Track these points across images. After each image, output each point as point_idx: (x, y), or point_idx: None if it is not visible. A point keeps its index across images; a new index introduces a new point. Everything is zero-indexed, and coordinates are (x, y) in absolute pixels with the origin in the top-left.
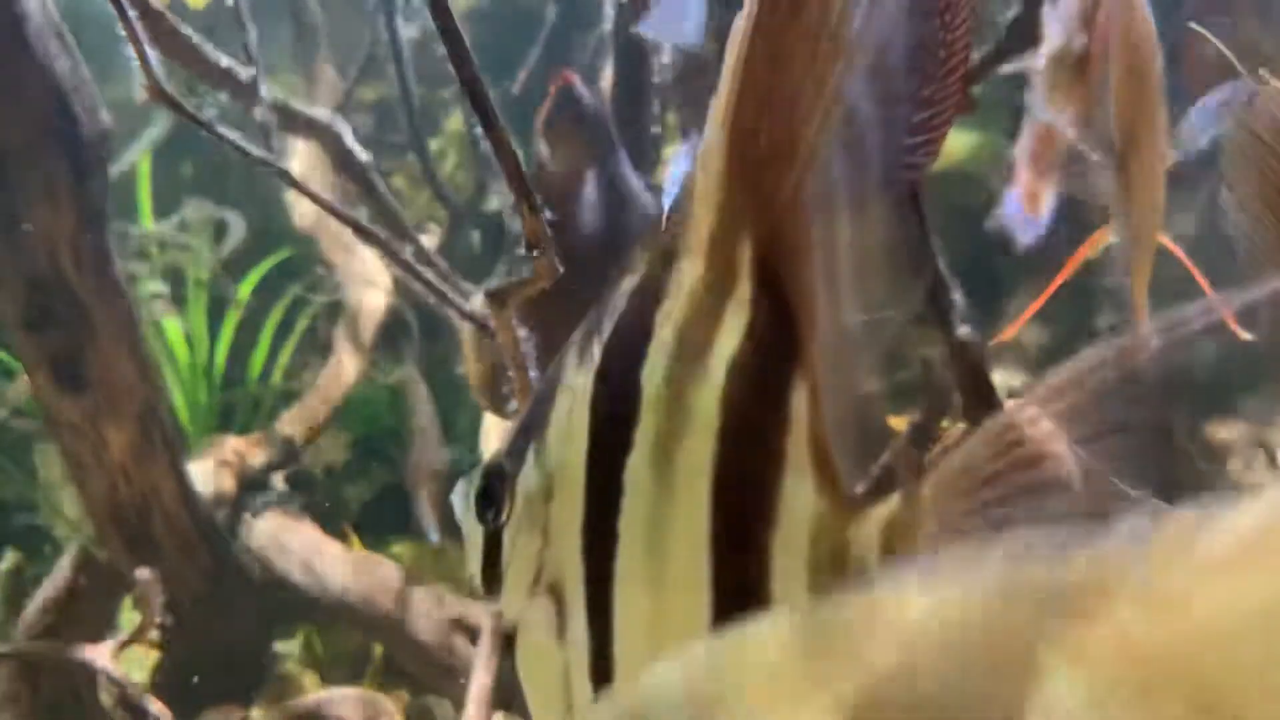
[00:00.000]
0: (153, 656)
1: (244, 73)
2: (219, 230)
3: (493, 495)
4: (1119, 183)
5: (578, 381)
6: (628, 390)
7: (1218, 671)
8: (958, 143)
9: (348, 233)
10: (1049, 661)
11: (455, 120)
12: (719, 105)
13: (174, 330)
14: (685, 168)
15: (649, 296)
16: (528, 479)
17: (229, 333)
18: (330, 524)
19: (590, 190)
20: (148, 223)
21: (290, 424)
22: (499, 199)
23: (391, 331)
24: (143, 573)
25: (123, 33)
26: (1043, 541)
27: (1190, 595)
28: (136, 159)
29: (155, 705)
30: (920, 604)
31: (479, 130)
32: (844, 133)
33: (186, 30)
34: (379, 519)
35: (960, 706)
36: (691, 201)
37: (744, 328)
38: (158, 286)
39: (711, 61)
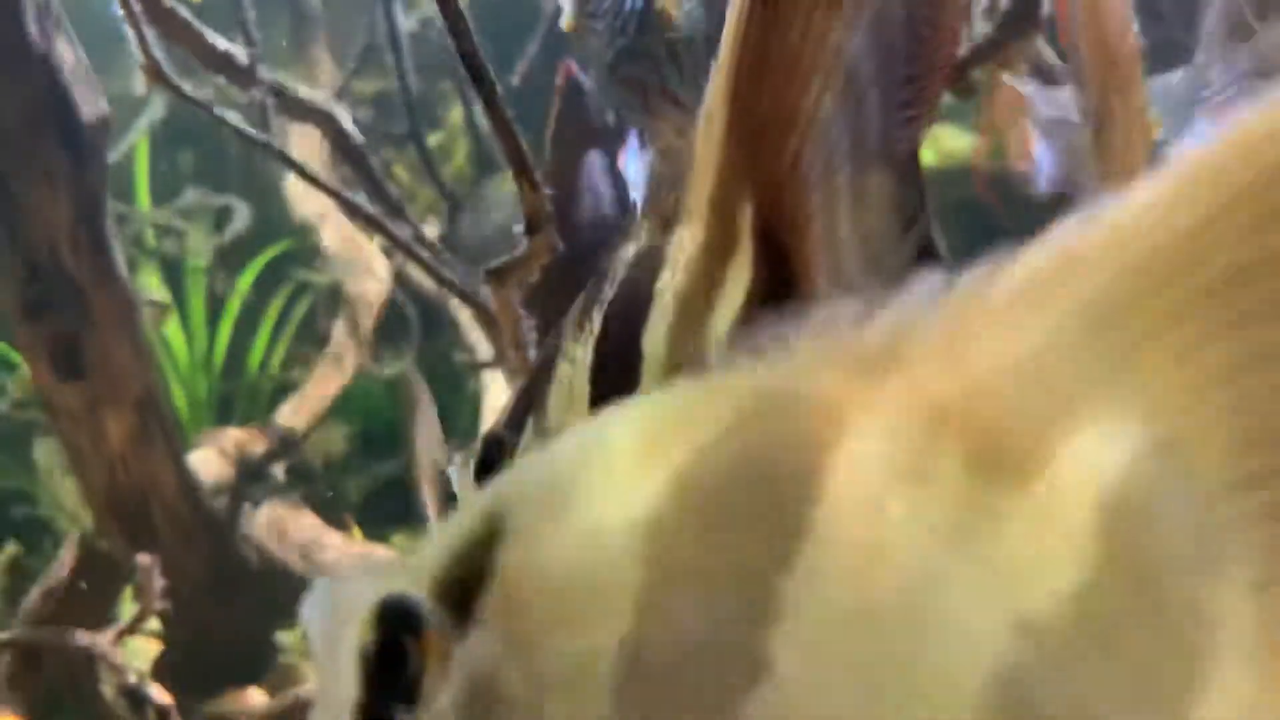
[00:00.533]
0: (153, 648)
1: (242, 55)
2: (219, 219)
3: (492, 464)
4: (1097, 157)
5: (578, 350)
6: (628, 357)
7: (990, 416)
8: (960, 141)
9: (347, 223)
10: (852, 418)
11: (457, 113)
12: (720, 70)
13: (173, 321)
14: (638, 163)
15: (649, 263)
16: (527, 448)
17: (228, 324)
18: (330, 515)
19: (592, 177)
20: (145, 208)
21: (289, 415)
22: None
23: (390, 325)
24: (142, 558)
25: (121, 27)
26: (850, 308)
27: (971, 344)
28: (134, 143)
29: (155, 690)
30: (744, 380)
31: (478, 121)
32: (843, 96)
33: (184, 13)
34: (379, 510)
35: (774, 464)
36: (691, 167)
37: (745, 293)
38: (156, 284)
39: (650, 49)
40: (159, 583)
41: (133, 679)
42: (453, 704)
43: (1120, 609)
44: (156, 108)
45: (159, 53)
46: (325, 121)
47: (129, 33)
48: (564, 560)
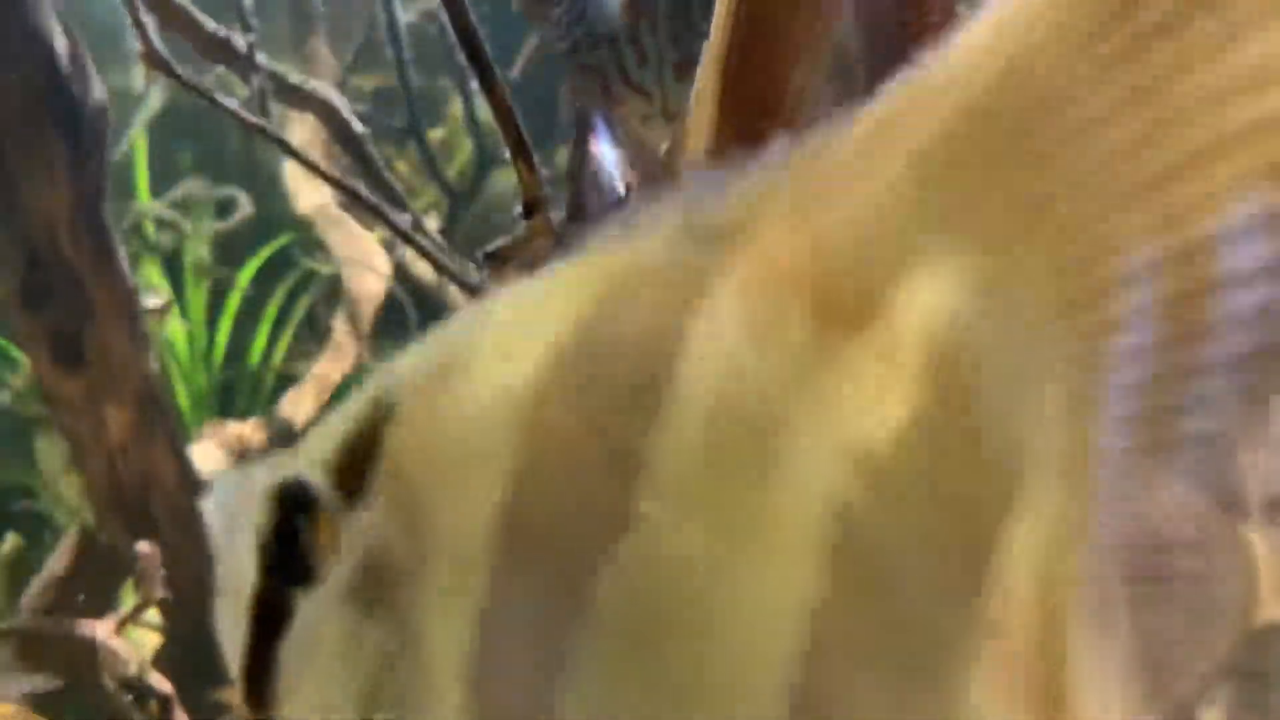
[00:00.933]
0: (153, 641)
1: (241, 43)
2: (221, 211)
3: None
4: None
5: None
6: None
7: (833, 270)
8: None
9: (347, 218)
10: (709, 286)
11: (459, 109)
12: (711, 48)
13: (173, 315)
14: (610, 150)
15: None
16: None
17: (229, 318)
18: None
19: (600, 167)
20: (145, 202)
21: (290, 407)
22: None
23: (390, 318)
24: (143, 546)
25: (116, 23)
26: (710, 181)
27: (815, 203)
28: (133, 138)
29: (157, 679)
30: (615, 256)
31: (478, 119)
32: (832, 74)
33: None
34: None
35: (638, 332)
36: (682, 146)
37: None
38: (158, 277)
39: (610, 34)
40: (160, 571)
41: (133, 669)
42: (345, 578)
43: (946, 444)
44: (154, 102)
45: (157, 43)
46: (325, 111)
47: (126, 27)
48: (445, 433)
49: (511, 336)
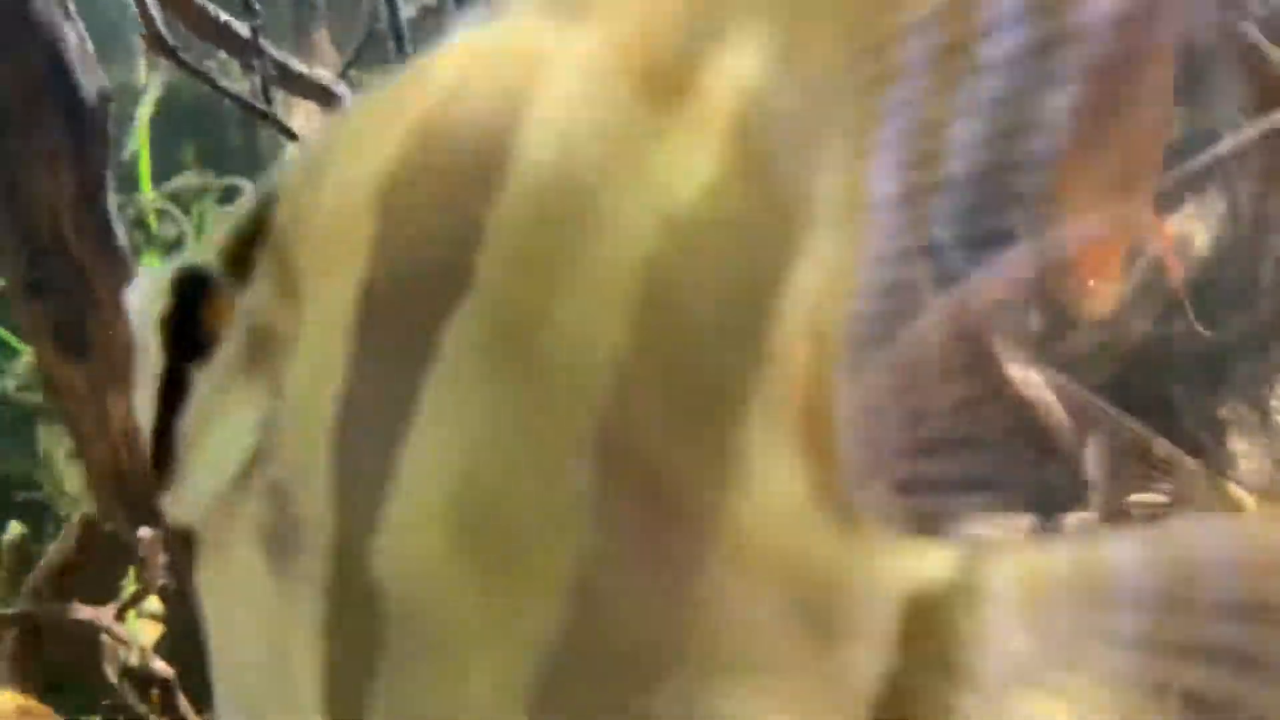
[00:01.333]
0: (154, 631)
1: (244, 29)
2: (224, 200)
3: None
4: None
5: None
6: None
7: (658, 48)
8: None
9: None
10: (550, 64)
11: None
12: None
13: None
14: None
15: None
16: None
17: None
18: None
19: None
20: (147, 190)
21: None
22: None
23: None
24: (144, 531)
25: (119, 17)
26: None
27: None
28: (137, 126)
29: (159, 665)
30: (467, 41)
31: None
32: None
33: None
34: None
35: (485, 111)
36: None
37: None
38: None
39: None
40: (162, 558)
41: (135, 655)
42: (233, 351)
43: (743, 203)
44: (154, 91)
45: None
46: (327, 99)
47: (129, 20)
48: (317, 216)
49: (375, 122)
